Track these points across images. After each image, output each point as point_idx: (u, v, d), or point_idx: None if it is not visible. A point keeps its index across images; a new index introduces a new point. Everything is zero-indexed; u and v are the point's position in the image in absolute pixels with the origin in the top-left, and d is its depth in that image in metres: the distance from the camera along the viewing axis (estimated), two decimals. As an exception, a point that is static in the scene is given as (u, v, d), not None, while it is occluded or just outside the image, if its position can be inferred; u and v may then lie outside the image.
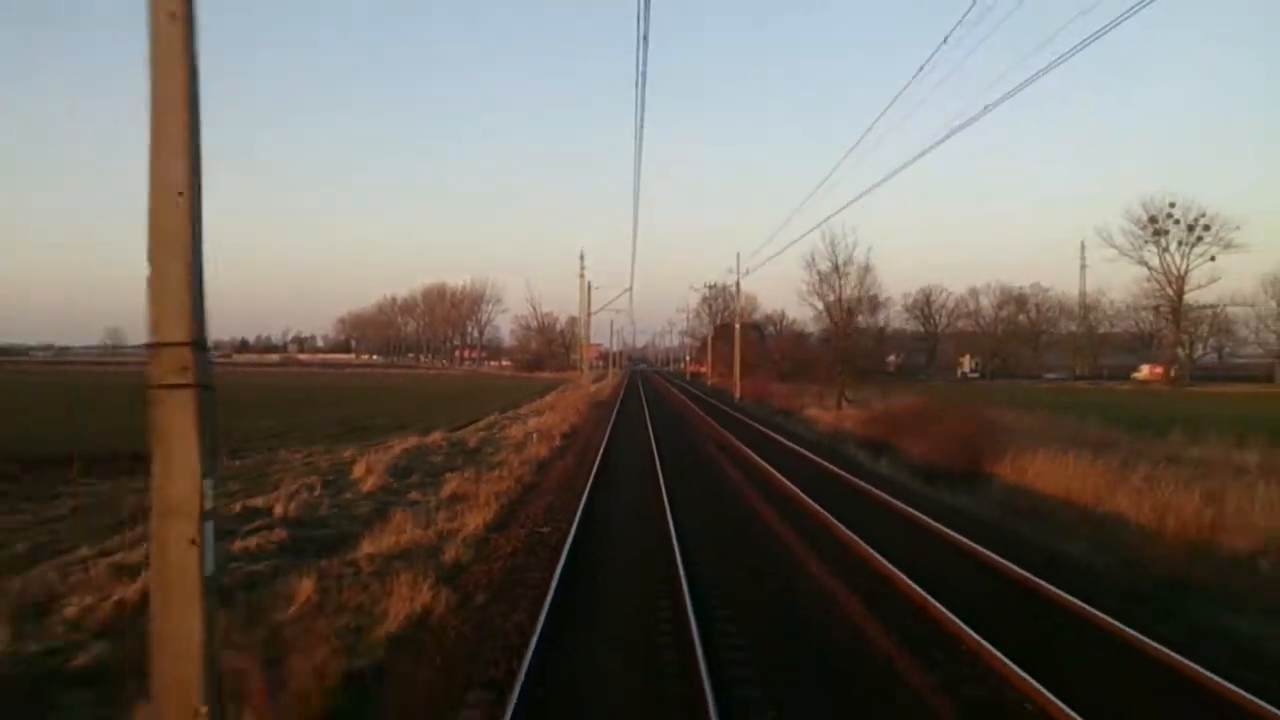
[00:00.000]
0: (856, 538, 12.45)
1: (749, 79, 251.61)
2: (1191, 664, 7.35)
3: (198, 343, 4.92)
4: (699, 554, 11.54)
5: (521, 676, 6.79)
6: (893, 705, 6.87)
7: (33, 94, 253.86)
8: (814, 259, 47.98)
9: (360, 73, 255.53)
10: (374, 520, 13.54)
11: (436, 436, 27.11)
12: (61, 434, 26.30)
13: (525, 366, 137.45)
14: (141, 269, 4.95)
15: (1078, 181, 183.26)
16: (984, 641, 7.87)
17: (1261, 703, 6.51)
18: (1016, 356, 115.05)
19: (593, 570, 10.84)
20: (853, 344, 48.84)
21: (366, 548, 11.58)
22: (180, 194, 4.93)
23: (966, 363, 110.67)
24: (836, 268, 46.80)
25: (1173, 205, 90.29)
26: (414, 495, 16.12)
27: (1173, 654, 7.59)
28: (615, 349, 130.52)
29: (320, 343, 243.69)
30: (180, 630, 4.87)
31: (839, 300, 47.81)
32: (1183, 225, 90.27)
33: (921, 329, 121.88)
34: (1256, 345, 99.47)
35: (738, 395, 56.36)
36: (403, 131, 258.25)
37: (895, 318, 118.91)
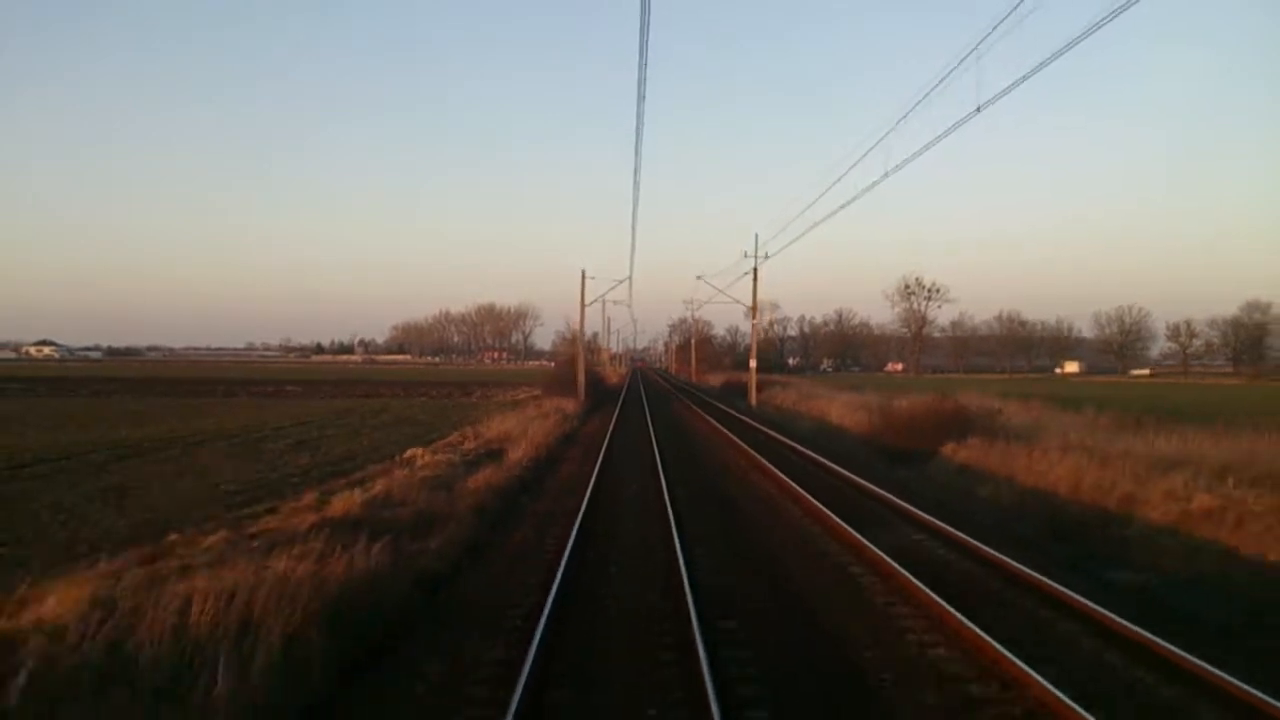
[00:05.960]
0: (672, 387, 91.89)
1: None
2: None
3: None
4: (645, 386, 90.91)
5: (625, 387, 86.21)
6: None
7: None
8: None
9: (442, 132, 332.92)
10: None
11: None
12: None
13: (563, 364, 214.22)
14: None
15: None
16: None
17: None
18: (858, 357, 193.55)
19: (635, 376, 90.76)
20: (740, 350, 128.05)
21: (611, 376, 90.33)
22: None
23: (826, 362, 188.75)
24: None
25: (918, 279, 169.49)
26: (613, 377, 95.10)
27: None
28: (620, 351, 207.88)
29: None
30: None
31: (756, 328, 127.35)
32: (925, 289, 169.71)
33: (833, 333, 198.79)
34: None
35: (674, 372, 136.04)
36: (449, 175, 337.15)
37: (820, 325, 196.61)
